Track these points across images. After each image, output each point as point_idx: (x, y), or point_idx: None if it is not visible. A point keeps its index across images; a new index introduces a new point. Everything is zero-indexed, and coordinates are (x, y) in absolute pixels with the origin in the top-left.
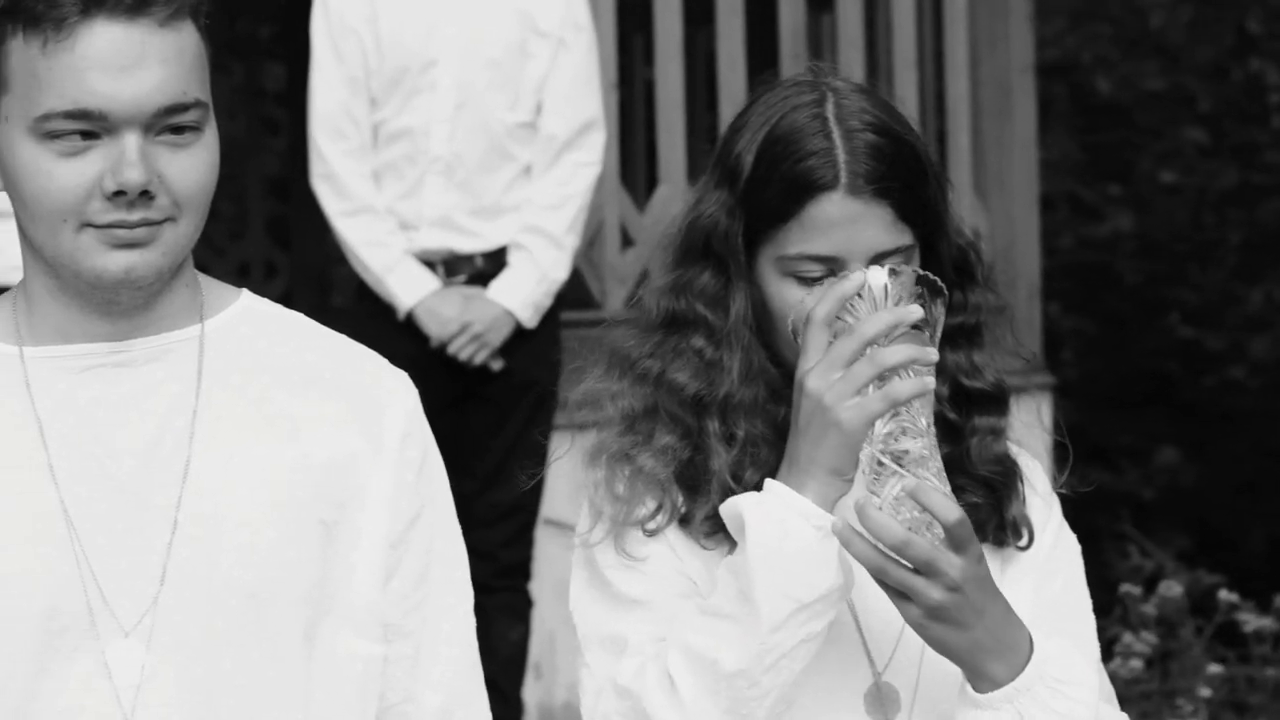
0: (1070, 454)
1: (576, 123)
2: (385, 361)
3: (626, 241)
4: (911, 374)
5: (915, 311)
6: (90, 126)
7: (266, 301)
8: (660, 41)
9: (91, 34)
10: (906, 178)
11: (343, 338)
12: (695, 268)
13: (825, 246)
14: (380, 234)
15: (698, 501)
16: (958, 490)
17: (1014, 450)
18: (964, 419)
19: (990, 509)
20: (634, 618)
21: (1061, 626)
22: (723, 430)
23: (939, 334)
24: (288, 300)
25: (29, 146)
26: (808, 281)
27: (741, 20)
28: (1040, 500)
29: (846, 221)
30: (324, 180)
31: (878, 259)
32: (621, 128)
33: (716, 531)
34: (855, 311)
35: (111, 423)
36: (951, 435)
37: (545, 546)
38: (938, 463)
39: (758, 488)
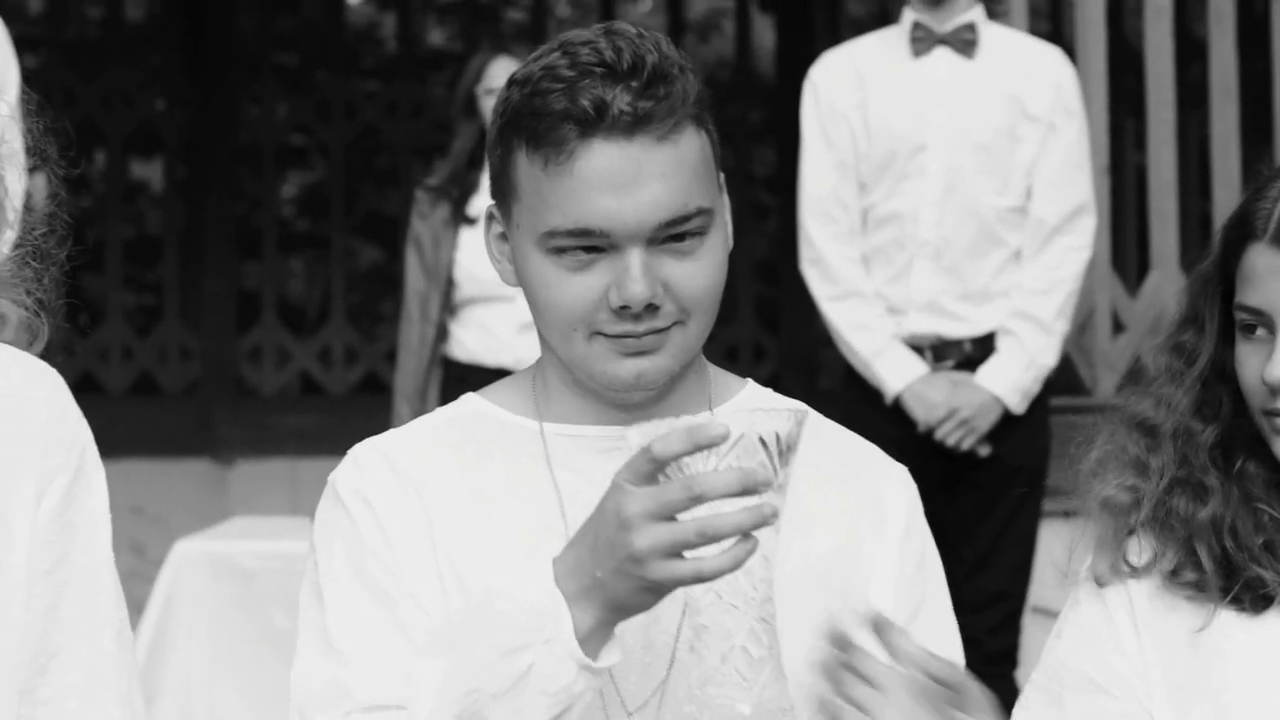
0: None
1: (1067, 207)
2: (884, 454)
3: (1118, 327)
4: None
5: (760, 476)
6: (594, 243)
7: (770, 391)
8: (1153, 126)
9: (590, 154)
10: None
11: (843, 429)
12: (1187, 325)
13: (1252, 297)
14: (868, 318)
15: (1168, 545)
16: None
17: None
18: None
19: None
20: None
21: None
22: (1169, 462)
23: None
24: (776, 382)
25: (538, 258)
26: (1245, 329)
27: (1235, 103)
28: None
29: (1269, 273)
30: (813, 265)
31: None
32: (1113, 212)
33: (1191, 587)
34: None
35: None
36: None
37: (1033, 634)
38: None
39: (1214, 523)
